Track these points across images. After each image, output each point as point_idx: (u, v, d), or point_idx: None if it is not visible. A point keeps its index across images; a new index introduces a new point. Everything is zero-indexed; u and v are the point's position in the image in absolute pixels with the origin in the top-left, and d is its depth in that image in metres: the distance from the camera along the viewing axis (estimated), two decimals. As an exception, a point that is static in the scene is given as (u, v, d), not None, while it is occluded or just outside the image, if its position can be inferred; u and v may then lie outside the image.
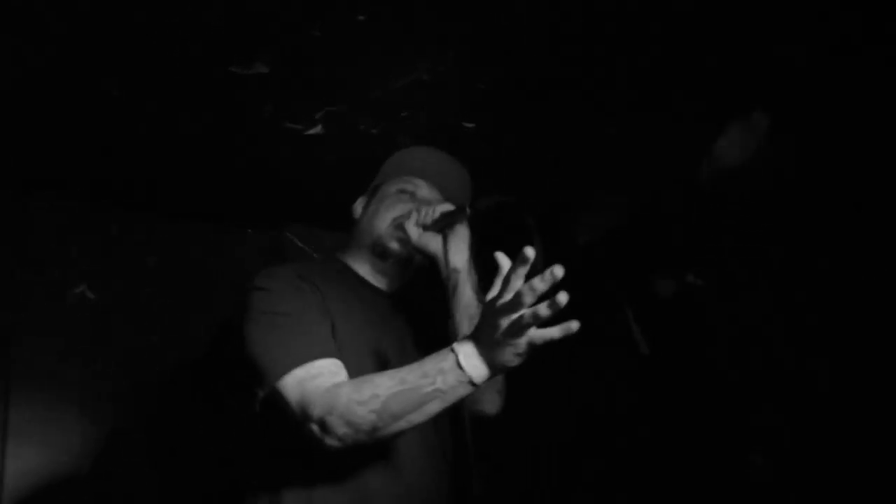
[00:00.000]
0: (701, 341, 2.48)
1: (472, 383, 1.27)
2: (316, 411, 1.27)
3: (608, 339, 2.85)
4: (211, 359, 2.60)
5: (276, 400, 1.32)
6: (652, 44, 2.00)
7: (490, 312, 1.26)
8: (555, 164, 2.60)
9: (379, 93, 2.29)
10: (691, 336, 2.51)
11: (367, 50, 2.11)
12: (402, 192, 1.71)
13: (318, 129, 2.37)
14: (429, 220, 1.59)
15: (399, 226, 1.63)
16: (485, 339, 1.27)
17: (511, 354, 1.26)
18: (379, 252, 1.65)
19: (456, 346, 1.29)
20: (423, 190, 1.73)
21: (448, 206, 1.60)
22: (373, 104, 2.32)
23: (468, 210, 1.54)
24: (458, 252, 1.57)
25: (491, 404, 1.65)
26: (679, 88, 2.18)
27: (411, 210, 1.65)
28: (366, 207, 1.75)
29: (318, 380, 1.31)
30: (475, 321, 1.52)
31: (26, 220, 2.73)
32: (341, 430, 1.25)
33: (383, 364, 1.48)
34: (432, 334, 1.66)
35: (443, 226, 1.58)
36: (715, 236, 2.41)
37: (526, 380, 2.87)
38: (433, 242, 1.59)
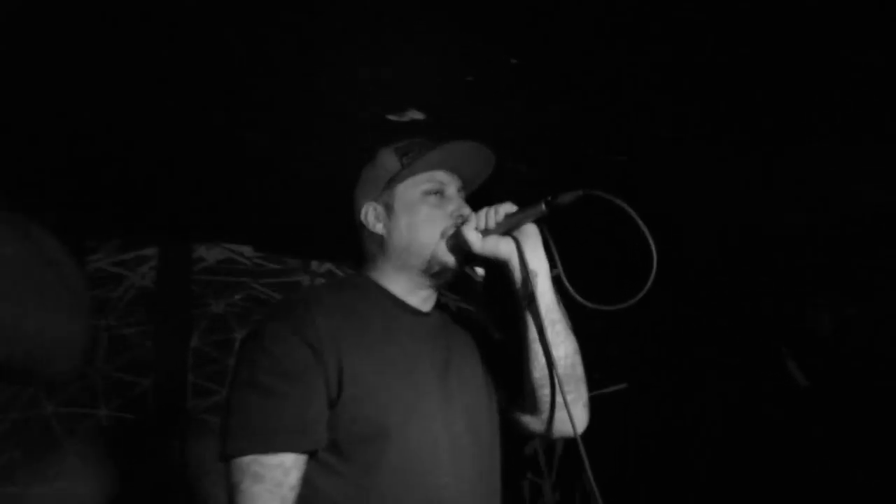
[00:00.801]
0: (870, 375, 2.37)
1: None
2: None
3: (763, 373, 2.78)
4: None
5: (226, 471, 1.30)
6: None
7: None
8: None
9: (520, 133, 2.38)
10: (859, 369, 2.41)
11: (515, 93, 2.21)
12: (429, 193, 1.49)
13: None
14: (492, 224, 1.41)
15: (453, 237, 1.45)
16: None
17: None
18: (436, 272, 1.47)
19: None
20: (451, 186, 1.51)
21: (512, 206, 1.43)
22: (517, 144, 2.41)
23: (544, 208, 1.38)
24: (534, 252, 1.41)
25: (580, 422, 1.47)
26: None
27: (457, 215, 1.47)
28: (390, 218, 1.50)
29: (258, 485, 1.26)
30: (558, 326, 1.42)
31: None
32: None
33: (422, 391, 1.39)
34: (481, 348, 1.55)
35: (509, 227, 1.41)
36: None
37: (681, 414, 2.84)
38: (503, 246, 1.41)
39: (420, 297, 1.50)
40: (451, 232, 1.45)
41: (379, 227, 1.50)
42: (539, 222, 1.43)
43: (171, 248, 3.21)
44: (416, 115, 2.52)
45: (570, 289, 1.38)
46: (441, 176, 1.50)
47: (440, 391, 1.41)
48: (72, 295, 0.82)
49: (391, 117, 2.50)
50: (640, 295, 1.30)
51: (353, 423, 1.31)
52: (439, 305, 1.55)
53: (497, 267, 1.45)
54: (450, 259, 1.45)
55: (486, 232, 1.41)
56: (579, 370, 1.46)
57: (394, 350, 1.40)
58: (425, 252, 1.46)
